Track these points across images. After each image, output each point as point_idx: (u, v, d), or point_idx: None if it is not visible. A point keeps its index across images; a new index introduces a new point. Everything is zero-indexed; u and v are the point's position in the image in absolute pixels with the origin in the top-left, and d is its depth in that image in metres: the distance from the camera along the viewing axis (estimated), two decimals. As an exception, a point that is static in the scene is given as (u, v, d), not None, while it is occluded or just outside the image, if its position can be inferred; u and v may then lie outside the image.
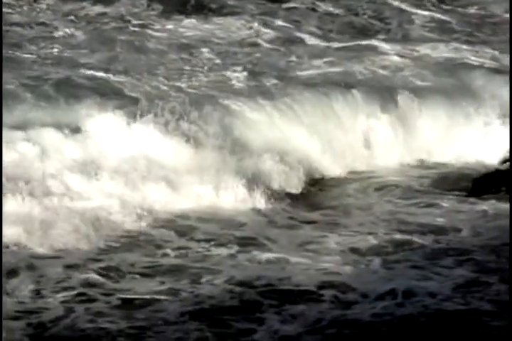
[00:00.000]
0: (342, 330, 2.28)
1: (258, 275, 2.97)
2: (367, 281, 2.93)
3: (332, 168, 4.96)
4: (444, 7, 8.01)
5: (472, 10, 8.02)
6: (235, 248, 3.41)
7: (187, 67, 5.98)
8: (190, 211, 4.00)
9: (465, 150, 5.36)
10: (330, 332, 2.26)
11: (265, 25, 7.08)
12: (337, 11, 7.70)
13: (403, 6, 7.84)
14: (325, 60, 6.31)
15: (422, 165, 5.27)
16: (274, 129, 5.07)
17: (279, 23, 7.21)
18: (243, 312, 2.47)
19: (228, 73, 5.84)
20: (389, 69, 6.19)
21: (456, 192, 4.54)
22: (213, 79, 5.72)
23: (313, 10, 7.67)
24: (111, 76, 5.53)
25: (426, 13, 7.77)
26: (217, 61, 6.20)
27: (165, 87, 5.38)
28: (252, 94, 5.35)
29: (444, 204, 4.28)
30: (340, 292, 2.74)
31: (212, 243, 3.50)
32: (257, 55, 6.42)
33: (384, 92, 5.58)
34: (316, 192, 4.71)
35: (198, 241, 3.55)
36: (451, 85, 5.88)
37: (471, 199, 4.38)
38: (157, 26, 7.03)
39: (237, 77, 5.74)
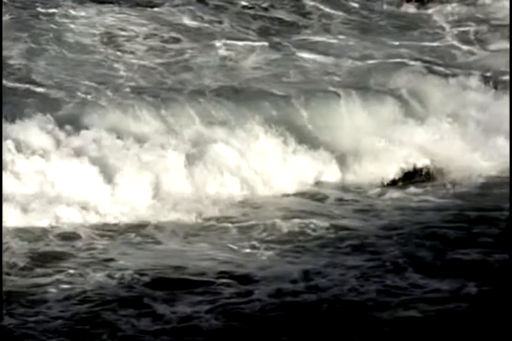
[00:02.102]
0: (236, 319, 2.28)
1: (151, 264, 2.98)
2: (263, 269, 2.95)
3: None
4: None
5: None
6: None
7: (111, 64, 5.72)
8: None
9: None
10: (223, 321, 2.25)
11: (189, 18, 6.77)
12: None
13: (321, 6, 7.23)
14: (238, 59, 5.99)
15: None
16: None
17: (205, 17, 6.82)
18: (131, 301, 2.46)
19: (151, 69, 5.64)
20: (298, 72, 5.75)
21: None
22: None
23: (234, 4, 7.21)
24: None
25: (344, 14, 7.16)
26: (139, 54, 5.98)
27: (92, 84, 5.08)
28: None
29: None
30: (235, 281, 2.75)
31: (105, 232, 3.50)
32: (176, 50, 6.16)
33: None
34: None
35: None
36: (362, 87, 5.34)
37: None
38: (74, 14, 6.60)
39: (161, 71, 5.58)
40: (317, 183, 4.42)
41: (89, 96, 4.77)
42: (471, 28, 6.60)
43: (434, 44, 6.46)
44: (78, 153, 4.02)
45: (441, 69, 5.80)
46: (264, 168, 4.41)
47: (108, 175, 3.95)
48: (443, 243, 3.26)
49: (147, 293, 2.55)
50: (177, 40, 6.33)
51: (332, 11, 6.94)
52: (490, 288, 2.61)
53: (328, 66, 5.77)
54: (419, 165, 4.65)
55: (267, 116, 4.66)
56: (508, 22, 6.56)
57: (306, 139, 4.63)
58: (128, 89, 5.02)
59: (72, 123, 4.18)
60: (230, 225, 3.61)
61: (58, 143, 4.08)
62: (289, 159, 4.45)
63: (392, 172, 4.55)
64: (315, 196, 4.23)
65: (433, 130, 4.86)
